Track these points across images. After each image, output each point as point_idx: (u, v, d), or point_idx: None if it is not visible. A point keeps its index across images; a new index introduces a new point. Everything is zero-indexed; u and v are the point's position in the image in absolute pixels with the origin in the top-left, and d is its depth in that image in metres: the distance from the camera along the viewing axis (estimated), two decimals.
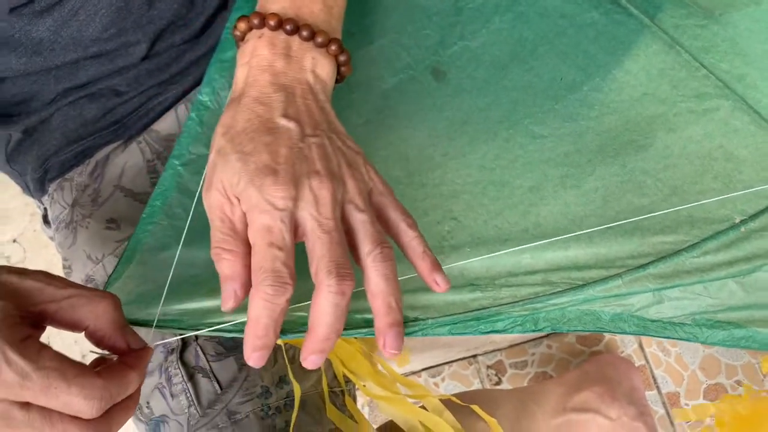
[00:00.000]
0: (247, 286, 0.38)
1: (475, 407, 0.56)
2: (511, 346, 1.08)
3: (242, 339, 0.37)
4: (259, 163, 0.38)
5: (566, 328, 0.43)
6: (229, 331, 0.40)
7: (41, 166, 0.61)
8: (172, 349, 0.53)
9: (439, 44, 0.54)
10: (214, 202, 0.39)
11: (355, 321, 0.41)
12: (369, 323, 0.40)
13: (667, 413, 1.02)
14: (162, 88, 0.58)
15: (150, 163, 0.59)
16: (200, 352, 0.53)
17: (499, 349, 1.08)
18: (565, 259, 0.44)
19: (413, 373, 1.09)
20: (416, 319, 0.41)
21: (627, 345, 1.05)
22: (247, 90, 0.42)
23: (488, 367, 1.08)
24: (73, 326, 0.37)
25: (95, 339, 0.38)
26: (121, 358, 0.37)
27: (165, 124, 0.59)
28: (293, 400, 0.54)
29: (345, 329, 0.40)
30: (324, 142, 0.40)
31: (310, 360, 0.37)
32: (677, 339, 0.45)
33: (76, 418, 0.34)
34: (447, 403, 0.54)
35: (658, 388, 1.04)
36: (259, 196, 0.37)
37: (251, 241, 0.37)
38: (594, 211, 0.46)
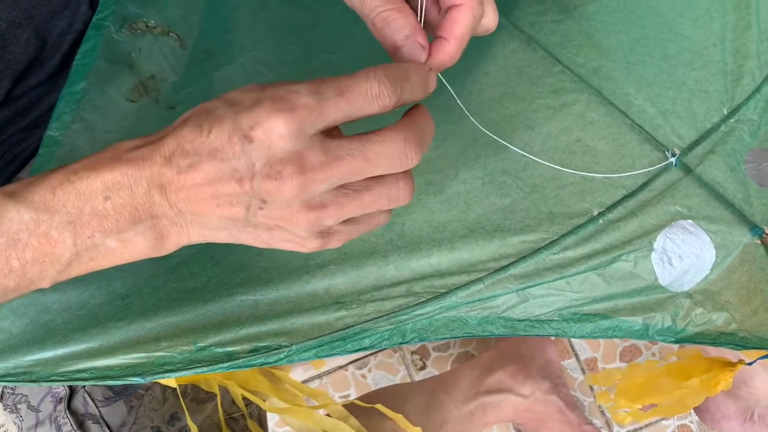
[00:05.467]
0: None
1: (379, 406, 0.57)
2: None
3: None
4: None
5: (434, 337, 0.44)
6: (86, 379, 0.39)
7: None
8: (60, 399, 0.52)
9: (302, 59, 0.53)
10: None
11: (217, 355, 0.40)
12: (231, 356, 0.40)
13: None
14: (24, 134, 0.56)
15: None
16: (88, 398, 0.52)
17: None
18: (429, 267, 0.45)
19: (340, 367, 1.10)
20: (280, 347, 0.41)
21: None
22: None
23: (412, 353, 1.10)
24: None
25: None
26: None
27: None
28: None
29: (206, 365, 0.40)
30: None
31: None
32: (547, 335, 0.46)
33: None
34: (353, 406, 0.55)
35: (576, 355, 1.08)
36: None
37: None
38: (457, 216, 0.47)
